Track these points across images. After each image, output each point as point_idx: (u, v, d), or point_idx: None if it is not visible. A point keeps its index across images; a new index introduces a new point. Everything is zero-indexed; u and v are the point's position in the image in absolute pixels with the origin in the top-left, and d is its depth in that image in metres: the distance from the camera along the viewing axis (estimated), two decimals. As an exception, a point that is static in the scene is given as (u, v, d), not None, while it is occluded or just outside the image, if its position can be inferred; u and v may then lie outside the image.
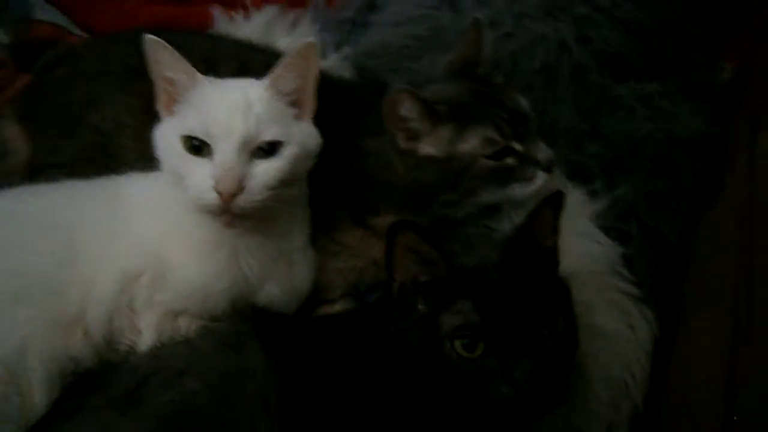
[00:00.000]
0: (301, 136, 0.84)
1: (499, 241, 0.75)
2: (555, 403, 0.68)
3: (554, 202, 0.72)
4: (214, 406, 0.73)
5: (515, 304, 0.68)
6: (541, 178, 0.87)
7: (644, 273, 0.85)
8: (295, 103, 0.85)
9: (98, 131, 1.00)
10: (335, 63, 1.16)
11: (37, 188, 0.90)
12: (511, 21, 0.99)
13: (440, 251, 0.71)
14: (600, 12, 1.00)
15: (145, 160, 0.86)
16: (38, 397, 0.75)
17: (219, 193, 0.77)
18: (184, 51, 0.95)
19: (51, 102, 1.05)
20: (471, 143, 0.87)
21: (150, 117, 0.86)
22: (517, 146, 0.88)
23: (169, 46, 0.81)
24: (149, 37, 0.81)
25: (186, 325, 0.84)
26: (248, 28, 1.22)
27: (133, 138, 0.97)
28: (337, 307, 0.98)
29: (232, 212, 0.79)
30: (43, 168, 1.01)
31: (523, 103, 0.91)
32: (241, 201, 0.78)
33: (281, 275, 0.90)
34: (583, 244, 0.85)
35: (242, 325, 0.82)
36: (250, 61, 1.01)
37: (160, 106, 0.84)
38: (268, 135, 0.80)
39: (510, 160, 0.87)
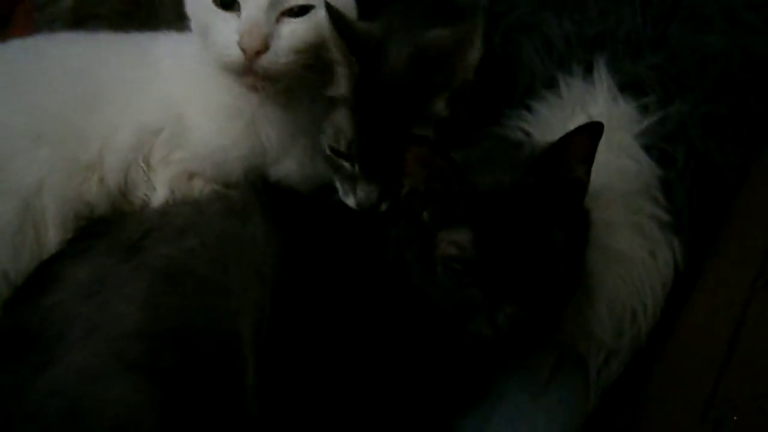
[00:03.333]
0: (336, 1, 0.79)
1: (524, 158, 0.69)
2: (538, 344, 0.65)
3: (592, 131, 0.65)
4: (209, 267, 0.74)
5: (517, 241, 0.63)
6: (350, 202, 0.80)
7: (682, 201, 0.77)
8: (334, -34, 0.80)
9: (141, -15, 0.98)
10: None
11: (70, 35, 0.91)
12: None
13: (453, 168, 0.66)
14: None
15: (182, 19, 0.83)
16: (51, 233, 0.79)
17: (243, 49, 0.74)
18: None
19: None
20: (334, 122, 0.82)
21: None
22: (347, 163, 0.80)
23: None
24: None
25: (199, 188, 0.85)
26: None
27: (172, -5, 0.94)
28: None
29: (255, 72, 0.76)
30: (86, 18, 1.02)
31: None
32: (265, 61, 0.75)
33: (301, 152, 0.88)
34: (619, 161, 0.78)
35: (251, 195, 0.81)
36: None
37: (193, -42, 0.81)
38: None
39: (344, 163, 0.80)
